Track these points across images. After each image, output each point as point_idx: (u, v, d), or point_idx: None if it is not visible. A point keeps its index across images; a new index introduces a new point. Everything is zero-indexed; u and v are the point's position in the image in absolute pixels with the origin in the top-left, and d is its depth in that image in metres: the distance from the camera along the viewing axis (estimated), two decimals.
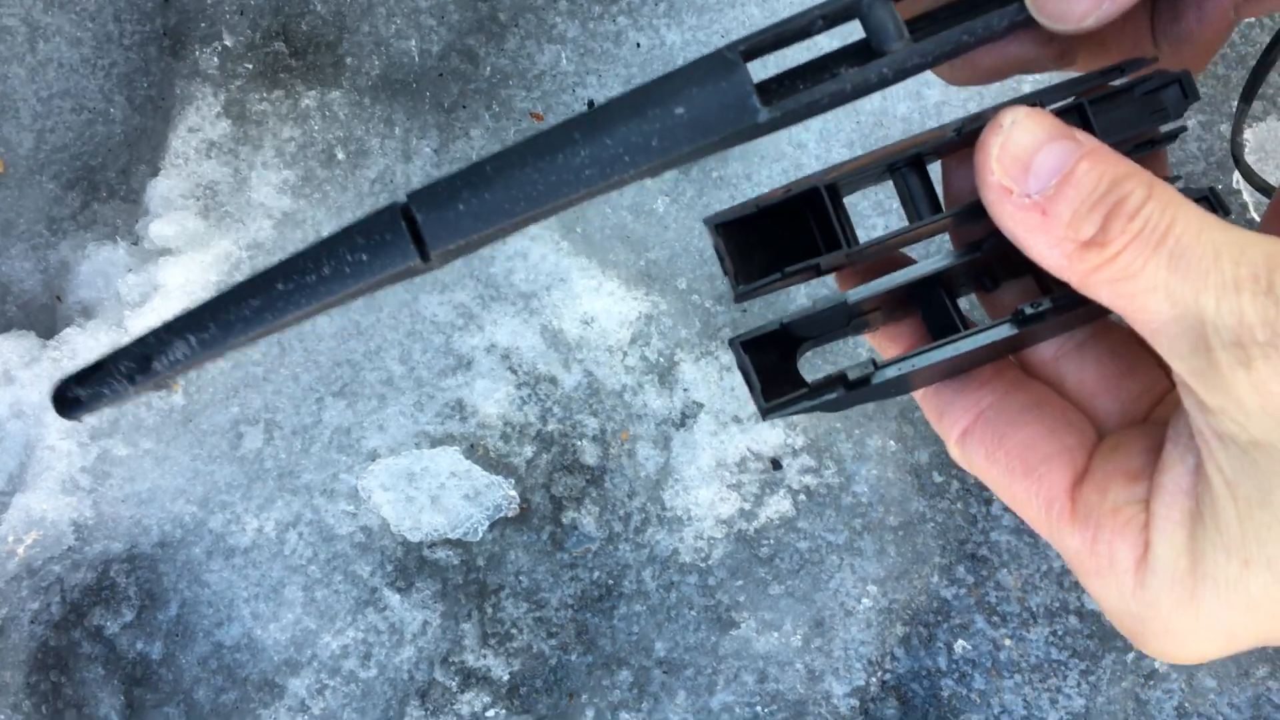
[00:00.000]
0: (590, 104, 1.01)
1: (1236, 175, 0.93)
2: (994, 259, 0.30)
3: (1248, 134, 0.93)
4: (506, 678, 0.98)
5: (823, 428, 0.97)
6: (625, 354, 0.98)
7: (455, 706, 0.98)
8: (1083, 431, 0.29)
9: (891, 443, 0.97)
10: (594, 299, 0.99)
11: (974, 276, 0.32)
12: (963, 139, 0.28)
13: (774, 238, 0.30)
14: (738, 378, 0.97)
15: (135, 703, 1.01)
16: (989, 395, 0.30)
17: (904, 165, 0.29)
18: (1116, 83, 0.29)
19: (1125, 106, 0.29)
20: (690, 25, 1.00)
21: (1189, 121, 0.94)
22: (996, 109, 0.27)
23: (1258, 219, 0.92)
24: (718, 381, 0.98)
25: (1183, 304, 0.24)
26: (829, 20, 0.27)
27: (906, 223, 0.30)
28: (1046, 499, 0.28)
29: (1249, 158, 0.92)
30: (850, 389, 0.29)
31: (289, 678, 1.00)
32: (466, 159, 1.02)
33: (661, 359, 0.98)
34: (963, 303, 0.32)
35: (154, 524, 1.02)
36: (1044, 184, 0.25)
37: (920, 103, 0.96)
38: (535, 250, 1.00)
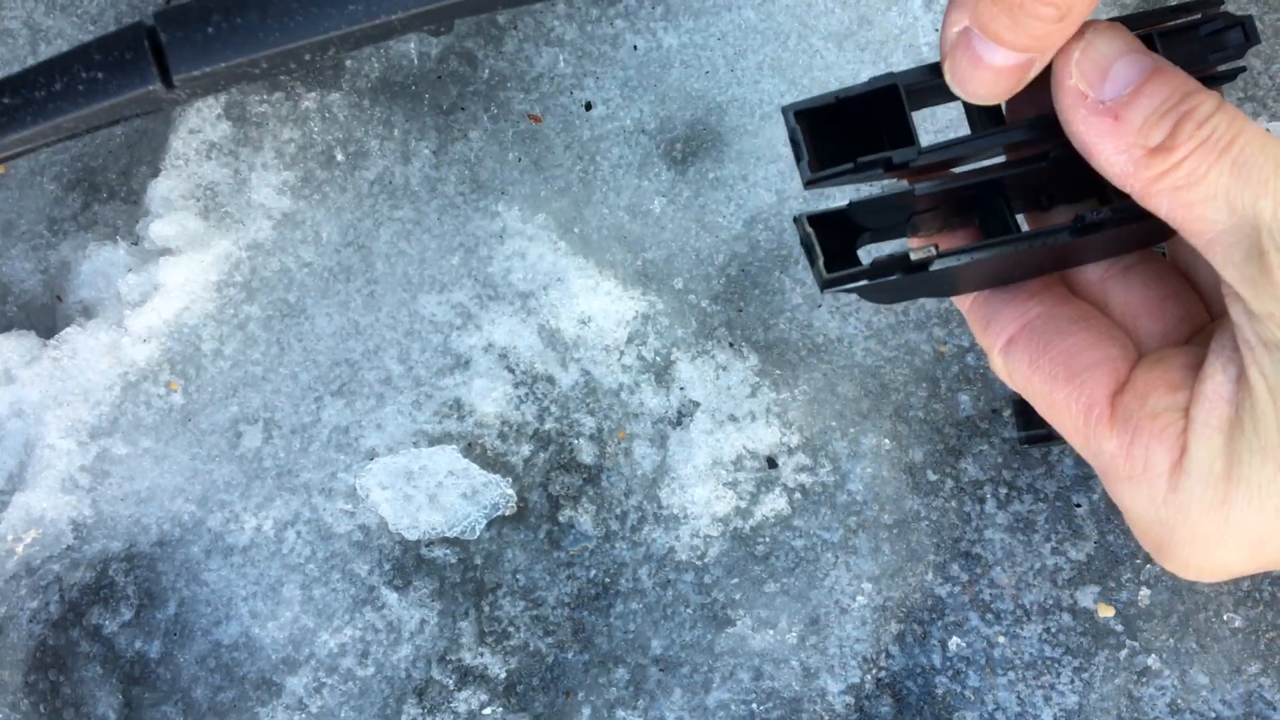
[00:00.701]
0: (588, 105, 1.02)
1: None
2: (1053, 176, 0.31)
3: None
4: (503, 676, 0.99)
5: (818, 426, 0.98)
6: (622, 353, 0.99)
7: (452, 704, 0.99)
8: (1125, 346, 0.30)
9: (886, 441, 0.98)
10: (591, 299, 0.99)
11: (1031, 194, 0.33)
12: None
13: (848, 130, 0.30)
14: (734, 377, 0.98)
15: (133, 701, 1.02)
16: (1036, 307, 0.31)
17: None
18: (1186, 20, 0.30)
19: (1191, 43, 0.30)
20: (687, 28, 1.02)
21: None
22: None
23: None
24: (714, 380, 0.98)
25: (1241, 211, 0.25)
26: None
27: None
28: (1087, 403, 0.29)
29: None
30: (909, 272, 0.29)
31: (287, 676, 1.00)
32: (466, 161, 1.03)
33: (658, 358, 0.99)
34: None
35: (153, 523, 1.02)
36: (1119, 90, 0.26)
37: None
38: (533, 250, 1.01)
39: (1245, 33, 0.30)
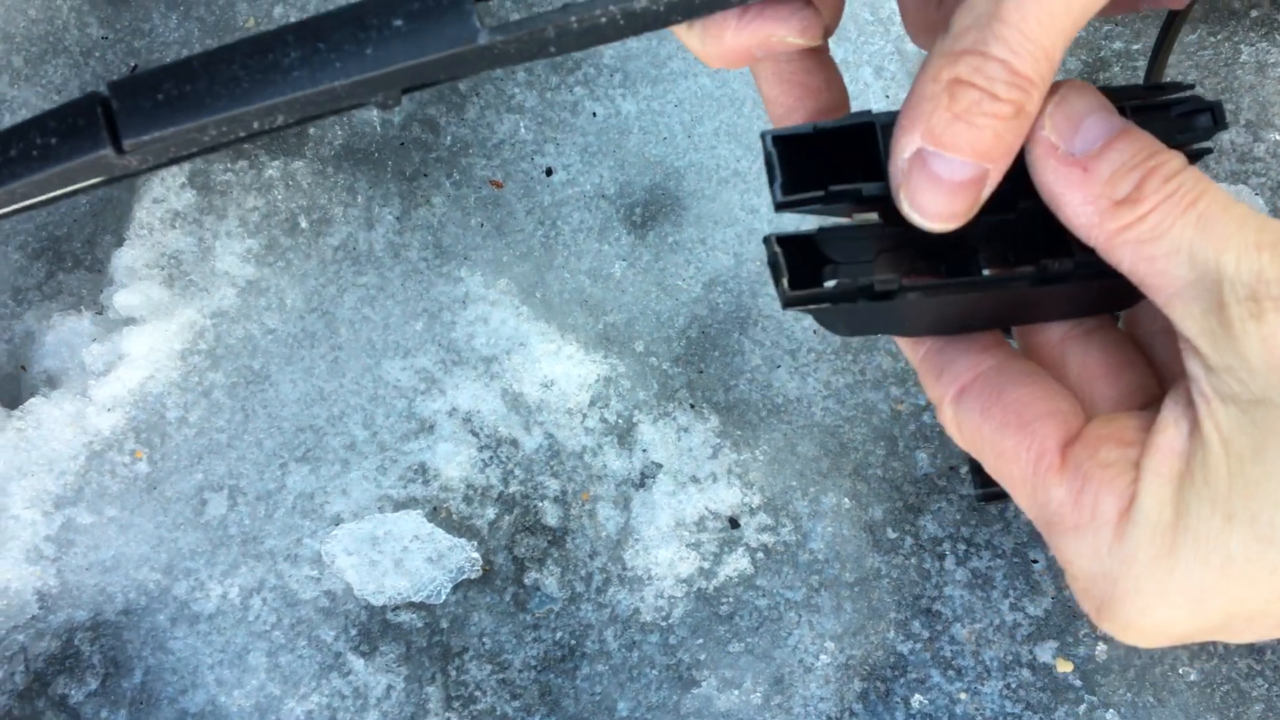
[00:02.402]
0: (548, 171, 1.04)
1: None
2: (1020, 232, 0.31)
3: None
4: None
5: (779, 486, 0.99)
6: (585, 416, 1.00)
7: None
8: (1075, 404, 0.30)
9: (846, 500, 0.99)
10: (554, 362, 1.00)
11: (998, 249, 0.33)
12: None
13: (820, 167, 0.30)
14: (696, 438, 1.00)
15: None
16: (990, 359, 0.31)
17: None
18: (1157, 99, 0.31)
19: (1160, 122, 0.31)
20: (645, 95, 1.03)
21: None
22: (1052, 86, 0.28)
23: None
24: (676, 442, 0.99)
25: (1203, 265, 0.25)
26: None
27: None
28: (1038, 451, 0.29)
29: None
30: (873, 300, 0.30)
31: None
32: (429, 226, 1.04)
33: (620, 420, 1.00)
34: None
35: (118, 592, 1.02)
36: (1089, 144, 0.27)
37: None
38: (495, 315, 1.02)
39: (1214, 117, 0.31)
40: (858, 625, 0.97)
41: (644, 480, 0.99)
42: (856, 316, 0.31)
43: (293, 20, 1.05)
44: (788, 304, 0.30)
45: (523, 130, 1.05)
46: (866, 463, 1.00)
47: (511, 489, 1.00)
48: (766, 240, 0.30)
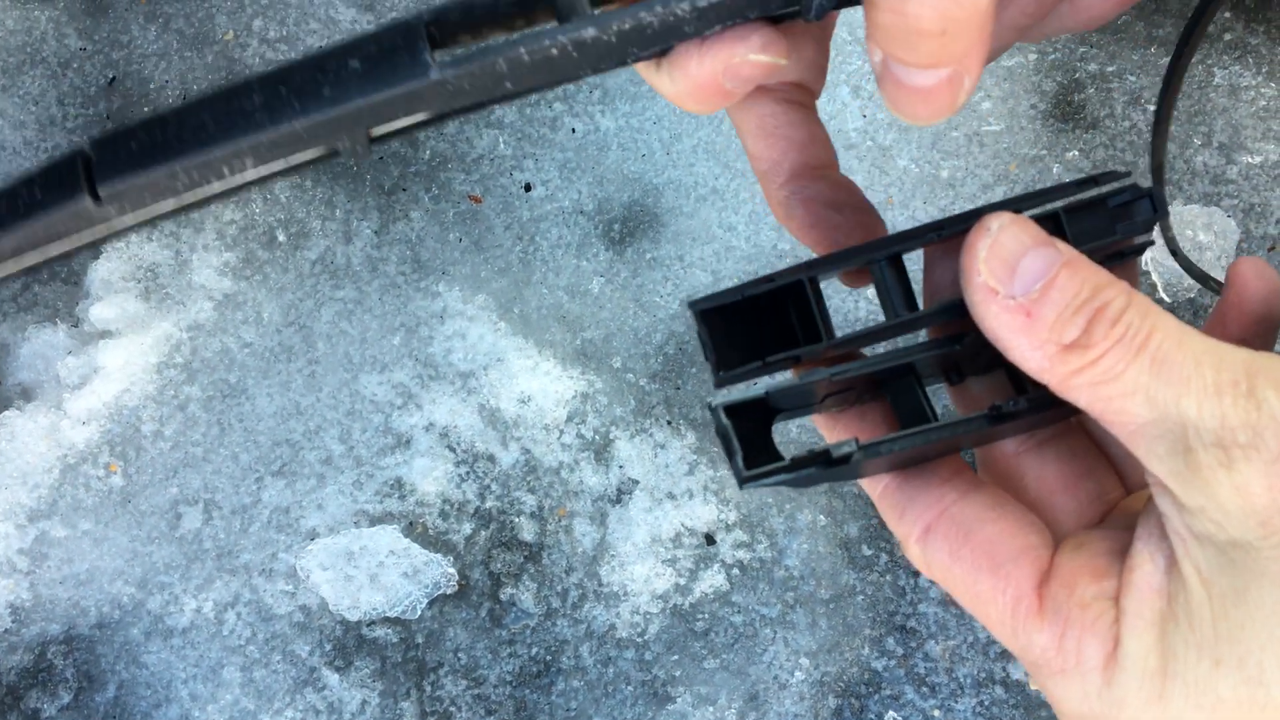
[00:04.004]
0: (527, 186, 1.04)
1: (1145, 256, 0.97)
2: (966, 356, 0.31)
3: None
4: None
5: (755, 503, 0.99)
6: (562, 432, 1.00)
7: None
8: (1043, 533, 0.30)
9: (821, 517, 0.99)
10: (531, 378, 1.01)
11: (943, 368, 0.33)
12: (943, 240, 0.29)
13: (755, 323, 0.30)
14: (672, 454, 1.00)
15: None
16: (952, 493, 0.30)
17: (882, 260, 0.30)
18: (1090, 194, 0.30)
19: (1098, 217, 0.30)
20: (624, 112, 1.04)
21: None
22: (978, 212, 0.27)
23: (1167, 299, 0.96)
24: (652, 458, 1.00)
25: (1163, 408, 0.25)
26: None
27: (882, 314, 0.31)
28: (1015, 595, 0.28)
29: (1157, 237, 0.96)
30: (829, 466, 0.29)
31: None
32: (407, 241, 1.04)
33: (597, 436, 1.00)
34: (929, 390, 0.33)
35: (92, 605, 1.02)
36: (1029, 287, 0.26)
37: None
38: (473, 330, 1.02)
39: (1153, 205, 0.31)
40: (833, 642, 0.98)
41: (620, 496, 1.00)
42: (816, 479, 0.31)
43: (271, 33, 1.04)
44: (744, 484, 0.29)
45: (502, 145, 1.05)
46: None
47: (488, 504, 1.00)
48: (714, 410, 0.29)
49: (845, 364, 0.30)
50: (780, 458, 0.30)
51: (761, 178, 0.33)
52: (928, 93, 0.26)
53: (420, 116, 0.27)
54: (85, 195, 0.25)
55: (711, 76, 0.27)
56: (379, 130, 0.27)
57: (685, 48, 0.28)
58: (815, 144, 0.33)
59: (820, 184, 0.32)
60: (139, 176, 0.26)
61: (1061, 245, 0.27)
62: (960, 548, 0.29)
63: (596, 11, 0.26)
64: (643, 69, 0.30)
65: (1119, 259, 0.32)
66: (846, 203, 0.32)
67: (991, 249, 0.27)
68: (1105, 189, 0.31)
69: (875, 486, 0.32)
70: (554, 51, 0.26)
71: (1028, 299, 0.26)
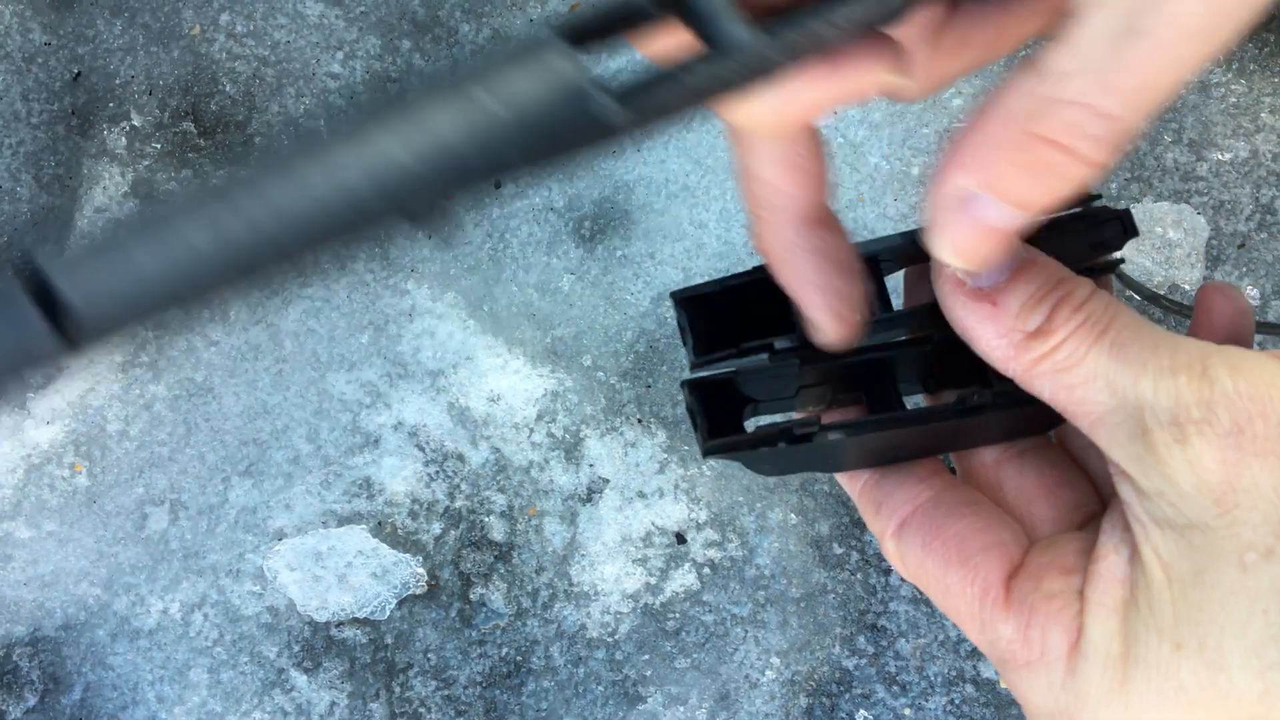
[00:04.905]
0: (497, 183, 1.03)
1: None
2: (940, 360, 0.32)
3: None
4: None
5: (726, 501, 0.99)
6: (532, 430, 1.00)
7: None
8: (1017, 531, 0.30)
9: (793, 516, 0.99)
10: (500, 376, 1.00)
11: (920, 376, 0.33)
12: (917, 248, 0.29)
13: (734, 315, 0.30)
14: (643, 453, 0.99)
15: None
16: (928, 490, 0.31)
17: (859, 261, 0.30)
18: (1062, 214, 0.30)
19: (1068, 236, 0.30)
20: None
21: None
22: None
23: (1137, 299, 0.96)
24: (623, 457, 0.99)
25: (1122, 392, 0.25)
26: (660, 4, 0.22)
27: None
28: (982, 587, 0.29)
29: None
30: (792, 443, 0.29)
31: None
32: (375, 238, 1.03)
33: (567, 435, 0.99)
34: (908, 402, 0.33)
35: (57, 607, 1.01)
36: (996, 277, 0.27)
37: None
38: (442, 328, 1.01)
39: (1124, 226, 0.31)
40: (804, 641, 0.97)
41: (591, 495, 0.99)
42: (781, 458, 0.30)
43: (239, 28, 1.02)
44: (707, 453, 0.29)
45: None
46: (813, 478, 1.00)
47: (458, 504, 1.00)
48: (683, 385, 0.29)
49: (817, 355, 0.30)
50: (747, 434, 0.30)
51: (765, 209, 0.30)
52: (1005, 235, 0.25)
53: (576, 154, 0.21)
54: (61, 347, 0.20)
55: (827, 100, 0.25)
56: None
57: (808, 68, 0.24)
58: (825, 178, 0.31)
59: (834, 239, 0.30)
60: (123, 326, 0.20)
61: (1027, 245, 0.28)
62: (932, 540, 0.30)
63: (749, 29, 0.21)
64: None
65: (1091, 275, 0.32)
66: (849, 267, 0.30)
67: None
68: (1075, 209, 0.31)
69: (854, 484, 0.33)
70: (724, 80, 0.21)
71: (994, 288, 0.27)
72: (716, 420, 0.30)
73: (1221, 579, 0.25)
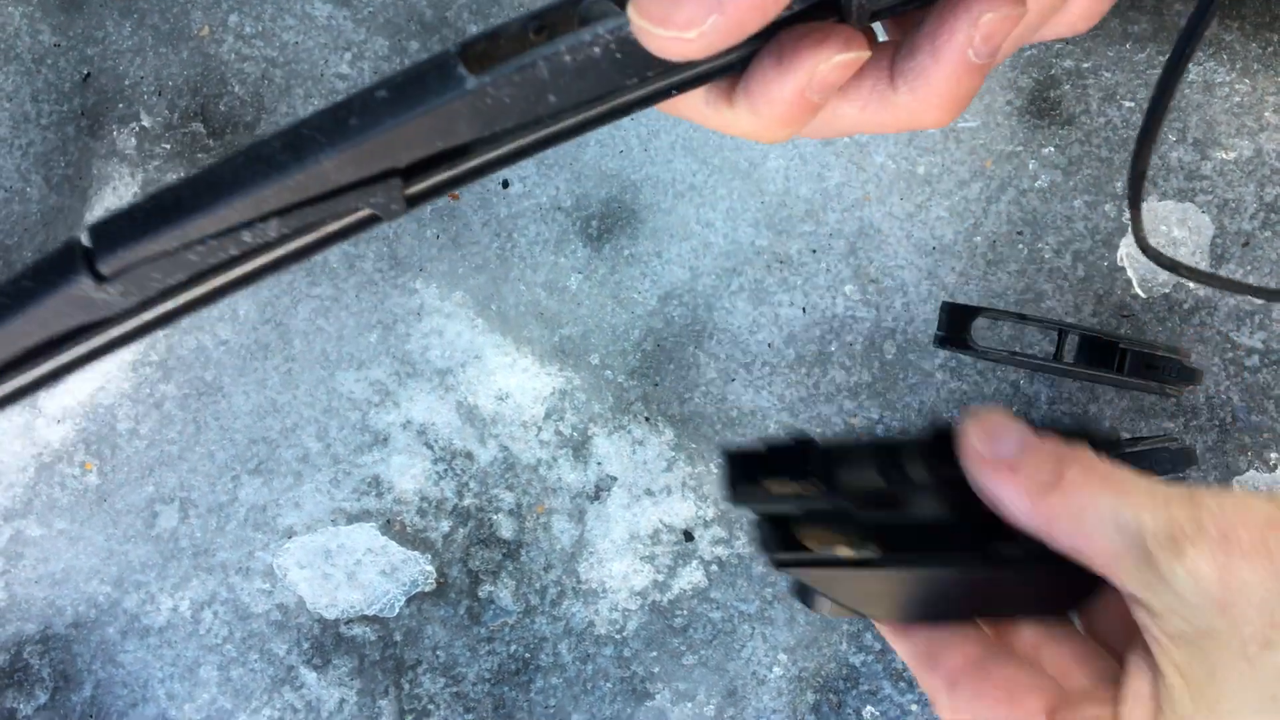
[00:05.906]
0: (505, 183, 1.03)
1: (1121, 252, 0.98)
2: (968, 529, 0.35)
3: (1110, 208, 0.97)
4: None
5: None
6: (540, 429, 1.00)
7: None
8: (1056, 681, 0.34)
9: None
10: (509, 375, 1.00)
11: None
12: (935, 437, 0.33)
13: (772, 467, 0.33)
14: (650, 451, 1.00)
15: None
16: (977, 647, 0.35)
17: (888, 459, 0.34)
18: (1136, 449, 0.36)
19: (1136, 463, 0.35)
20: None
21: (1075, 202, 0.98)
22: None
23: (1143, 294, 0.96)
24: (630, 455, 1.00)
25: (1127, 528, 0.29)
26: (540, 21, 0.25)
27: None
28: (1028, 716, 0.32)
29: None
30: (861, 566, 0.33)
31: None
32: (384, 237, 1.04)
33: (575, 433, 1.00)
34: None
35: (68, 605, 1.01)
36: (1012, 449, 0.32)
37: (822, 184, 1.00)
38: (451, 327, 1.01)
39: (1185, 458, 0.36)
40: (810, 637, 0.98)
41: (599, 493, 0.99)
42: (846, 585, 0.34)
43: (248, 29, 1.03)
44: (779, 565, 0.33)
45: None
46: None
47: (466, 502, 1.00)
48: (750, 517, 0.34)
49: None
50: (808, 550, 0.34)
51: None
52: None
53: (461, 139, 0.25)
54: (84, 275, 0.22)
55: (797, 92, 0.28)
56: (413, 189, 0.25)
57: (762, 73, 0.27)
58: None
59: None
60: (143, 245, 0.22)
61: (1034, 426, 0.33)
62: (982, 684, 0.34)
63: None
64: (712, 113, 0.30)
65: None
66: None
67: (978, 423, 0.32)
68: (1147, 446, 0.35)
69: (904, 643, 0.37)
70: (596, 50, 0.24)
71: (1012, 457, 0.32)
72: (777, 538, 0.33)
73: (1231, 674, 0.28)
